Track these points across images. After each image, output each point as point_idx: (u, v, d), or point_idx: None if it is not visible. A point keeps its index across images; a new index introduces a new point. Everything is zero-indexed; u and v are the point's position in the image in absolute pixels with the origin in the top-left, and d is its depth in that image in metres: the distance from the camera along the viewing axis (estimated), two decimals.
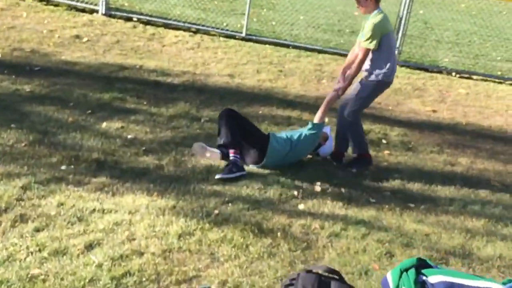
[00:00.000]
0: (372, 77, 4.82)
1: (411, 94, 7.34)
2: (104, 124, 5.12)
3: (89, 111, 5.35)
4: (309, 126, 4.86)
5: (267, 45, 8.56)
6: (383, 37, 4.71)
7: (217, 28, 8.92)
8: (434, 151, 5.67)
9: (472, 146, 5.95)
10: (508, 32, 11.31)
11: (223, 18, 9.66)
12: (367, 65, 4.83)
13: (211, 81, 6.71)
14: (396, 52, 8.45)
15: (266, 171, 4.68)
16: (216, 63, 7.39)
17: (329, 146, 5.15)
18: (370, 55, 4.78)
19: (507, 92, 7.96)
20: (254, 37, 8.81)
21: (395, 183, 4.84)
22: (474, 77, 8.48)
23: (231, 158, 4.67)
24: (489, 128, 6.54)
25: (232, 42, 8.49)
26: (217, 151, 4.80)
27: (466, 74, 8.53)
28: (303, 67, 7.78)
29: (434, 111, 6.85)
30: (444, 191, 4.81)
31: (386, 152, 5.49)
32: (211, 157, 4.77)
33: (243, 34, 8.77)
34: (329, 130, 5.16)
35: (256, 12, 10.25)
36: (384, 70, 4.77)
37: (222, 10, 10.22)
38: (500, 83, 8.37)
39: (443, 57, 9.19)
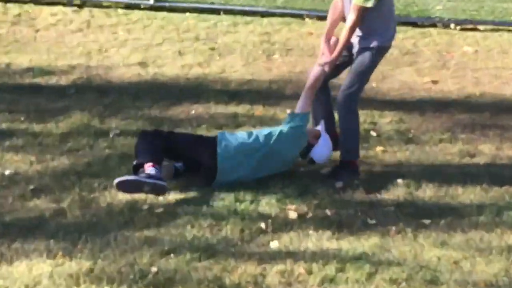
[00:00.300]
0: (372, 43, 4.88)
1: (399, 62, 7.44)
2: None
3: None
4: (288, 119, 4.92)
5: (187, 14, 8.52)
6: None
7: None
8: (445, 139, 5.76)
9: (493, 125, 6.08)
10: None
11: None
12: (362, 27, 4.87)
13: (115, 75, 6.63)
14: None
15: (216, 198, 4.63)
16: (118, 48, 7.32)
17: (325, 146, 5.12)
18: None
19: None
20: (167, 4, 8.74)
21: (399, 192, 4.89)
22: (481, 27, 8.69)
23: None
24: None
25: (136, 14, 8.43)
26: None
27: (469, 24, 8.73)
28: (243, 39, 7.78)
29: (434, 82, 6.97)
30: (467, 195, 4.89)
31: (379, 148, 5.54)
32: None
33: (151, 2, 8.68)
34: (323, 125, 5.16)
35: None
36: (385, 32, 4.93)
37: None
38: None
39: (436, 4, 9.37)
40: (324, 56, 4.96)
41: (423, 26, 8.63)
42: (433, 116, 6.19)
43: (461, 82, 7.01)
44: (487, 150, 5.62)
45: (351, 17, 4.76)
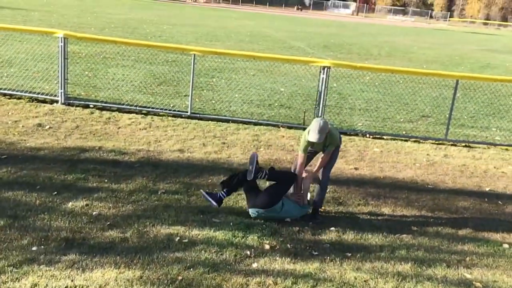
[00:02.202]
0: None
1: None
2: (70, 204, 4.90)
3: (55, 193, 5.11)
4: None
5: (209, 121, 8.58)
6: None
7: (165, 109, 8.90)
8: (361, 204, 5.74)
9: (391, 196, 6.07)
10: (406, 98, 11.89)
11: (170, 100, 9.66)
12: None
13: (164, 157, 6.61)
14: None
15: (221, 234, 4.57)
16: (167, 140, 7.32)
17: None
18: None
19: (412, 148, 8.27)
20: (198, 115, 8.83)
21: (332, 235, 4.84)
22: (385, 137, 8.78)
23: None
24: (403, 180, 6.71)
25: (179, 120, 8.46)
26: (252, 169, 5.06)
27: (378, 135, 8.82)
28: (242, 138, 7.82)
29: (356, 168, 6.99)
30: (374, 239, 4.85)
31: (322, 208, 5.51)
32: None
33: (188, 113, 8.78)
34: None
35: (198, 93, 10.33)
36: None
37: (169, 93, 10.24)
38: (406, 140, 8.69)
39: (357, 122, 9.50)
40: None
41: (350, 134, 8.70)
42: (354, 189, 6.17)
43: (372, 169, 7.03)
44: (386, 212, 5.60)
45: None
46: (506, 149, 8.67)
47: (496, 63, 22.62)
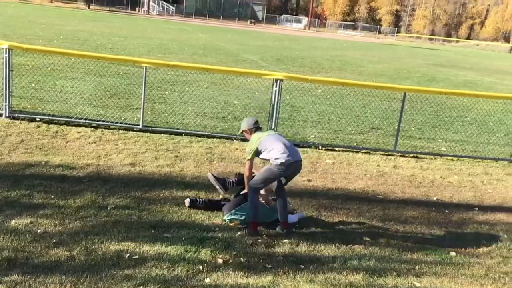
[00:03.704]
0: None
1: None
2: (13, 222, 4.67)
3: None
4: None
5: (162, 134, 8.45)
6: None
7: (116, 122, 8.70)
8: (314, 215, 5.77)
9: (343, 207, 6.13)
10: (357, 110, 12.15)
11: (121, 113, 9.46)
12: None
13: (114, 171, 6.43)
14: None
15: (172, 249, 4.47)
16: (117, 154, 7.14)
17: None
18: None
19: (363, 159, 8.43)
20: (150, 128, 8.68)
21: (286, 248, 4.83)
22: (337, 148, 8.90)
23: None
24: (355, 191, 6.81)
25: (130, 134, 8.29)
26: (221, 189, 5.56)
27: (330, 147, 8.94)
28: (195, 151, 7.74)
29: (309, 180, 7.04)
30: (327, 250, 4.87)
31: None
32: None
33: (140, 126, 8.61)
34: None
35: (150, 106, 10.17)
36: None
37: (120, 106, 10.03)
38: (357, 152, 8.84)
39: (310, 134, 9.60)
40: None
41: (303, 146, 8.76)
42: (307, 201, 6.19)
43: (324, 180, 7.09)
44: (339, 222, 5.65)
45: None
46: (452, 160, 8.98)
47: (441, 77, 23.53)
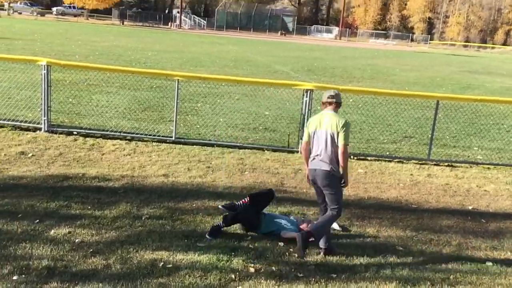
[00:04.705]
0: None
1: None
2: (52, 232, 4.84)
3: (37, 221, 5.06)
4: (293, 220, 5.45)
5: (194, 146, 8.60)
6: None
7: (150, 135, 8.91)
8: (346, 224, 5.75)
9: (375, 217, 6.09)
10: (389, 119, 12.04)
11: (154, 125, 9.68)
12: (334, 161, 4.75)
13: (148, 182, 6.58)
14: None
15: (205, 258, 4.54)
16: (151, 166, 7.30)
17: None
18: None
19: (396, 168, 8.35)
20: (182, 140, 8.84)
21: (318, 257, 4.83)
22: (369, 158, 8.85)
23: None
24: (387, 200, 6.75)
25: (163, 146, 8.46)
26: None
27: (362, 156, 8.90)
28: (227, 162, 7.83)
29: None
30: (359, 259, 4.85)
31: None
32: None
33: (173, 138, 8.79)
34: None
35: (183, 118, 10.36)
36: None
37: (153, 119, 10.26)
38: (390, 161, 8.77)
39: None
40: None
41: None
42: None
43: (356, 190, 7.06)
44: (371, 232, 5.60)
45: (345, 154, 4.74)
46: (488, 168, 8.79)
47: (476, 84, 23.06)
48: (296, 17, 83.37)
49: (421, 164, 8.72)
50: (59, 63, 9.01)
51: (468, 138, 10.93)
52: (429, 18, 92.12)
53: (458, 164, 8.86)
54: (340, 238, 5.34)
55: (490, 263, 5.01)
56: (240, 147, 8.74)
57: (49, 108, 8.74)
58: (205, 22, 73.94)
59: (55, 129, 8.74)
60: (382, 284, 4.37)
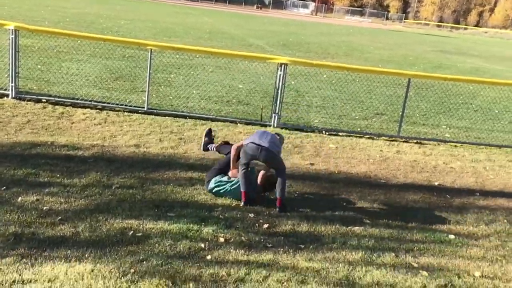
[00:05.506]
0: None
1: (292, 151, 7.58)
2: (19, 199, 4.77)
3: (4, 188, 4.97)
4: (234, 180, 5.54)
5: (167, 117, 8.52)
6: None
7: (121, 105, 8.78)
8: (316, 198, 5.84)
9: (345, 191, 6.19)
10: (361, 96, 12.16)
11: (126, 95, 9.54)
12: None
13: (119, 152, 6.52)
14: (276, 117, 8.81)
15: (175, 227, 4.56)
16: (122, 136, 7.22)
17: None
18: None
19: (366, 144, 8.47)
20: (155, 111, 8.75)
21: (287, 228, 4.91)
22: (340, 133, 8.95)
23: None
24: (357, 175, 6.87)
25: (135, 116, 8.36)
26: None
27: (334, 131, 8.98)
28: (199, 134, 7.80)
29: (311, 164, 7.10)
30: (327, 231, 4.95)
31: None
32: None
33: (145, 109, 8.69)
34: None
35: (155, 89, 10.23)
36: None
37: (125, 89, 10.10)
38: (361, 137, 8.88)
39: (314, 119, 9.65)
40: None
41: (307, 131, 8.82)
42: (309, 184, 6.27)
43: (327, 165, 7.15)
44: (340, 205, 5.71)
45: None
46: (455, 146, 9.01)
47: (448, 64, 23.42)
48: None
49: (391, 140, 8.87)
50: (27, 27, 8.73)
51: (437, 116, 11.15)
52: None
53: (426, 142, 9.05)
54: (310, 210, 5.43)
55: (453, 236, 5.18)
56: (213, 120, 8.72)
57: (17, 74, 8.50)
58: None
59: (23, 96, 8.53)
60: (348, 254, 4.48)
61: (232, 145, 5.76)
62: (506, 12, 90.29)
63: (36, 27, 9.43)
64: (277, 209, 5.26)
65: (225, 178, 5.48)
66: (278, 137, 5.70)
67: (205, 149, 6.17)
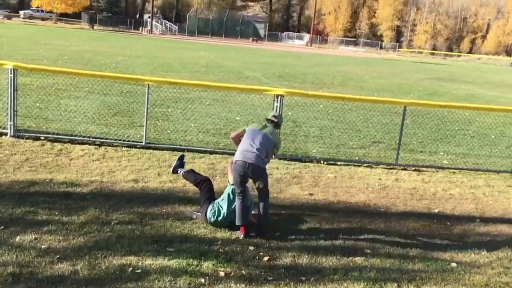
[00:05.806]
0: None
1: (290, 182, 7.57)
2: (17, 238, 4.75)
3: (2, 227, 4.95)
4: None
5: (165, 151, 8.55)
6: None
7: (119, 140, 8.81)
8: (316, 228, 5.80)
9: (344, 220, 6.17)
10: (358, 125, 12.24)
11: (124, 130, 9.58)
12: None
13: (117, 187, 6.51)
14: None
15: (175, 263, 4.52)
16: (121, 171, 7.22)
17: None
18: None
19: (365, 173, 8.48)
20: (153, 145, 8.78)
21: (287, 260, 4.88)
22: (339, 163, 8.96)
23: None
24: (356, 204, 6.85)
25: (133, 151, 8.39)
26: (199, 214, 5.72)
27: (332, 161, 9.00)
28: (198, 167, 7.81)
29: (311, 194, 7.08)
30: (328, 262, 4.91)
31: (277, 233, 5.54)
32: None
33: (143, 143, 8.72)
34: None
35: (153, 124, 10.29)
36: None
37: (123, 124, 10.16)
38: (359, 166, 8.90)
39: (312, 149, 9.68)
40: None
41: (305, 161, 8.83)
42: (308, 214, 6.25)
43: (326, 194, 7.13)
44: (340, 235, 5.67)
45: None
46: (454, 172, 9.02)
47: (442, 91, 23.64)
48: (267, 24, 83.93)
49: (389, 168, 8.88)
50: (26, 66, 8.84)
51: (435, 143, 11.19)
52: (398, 26, 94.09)
53: (424, 169, 9.07)
54: (310, 241, 5.39)
55: (455, 264, 5.14)
56: (211, 152, 8.74)
57: (15, 113, 8.56)
58: (176, 27, 73.71)
59: (21, 134, 8.57)
60: (350, 285, 4.44)
61: (197, 173, 6.16)
62: (498, 39, 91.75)
63: (34, 65, 9.56)
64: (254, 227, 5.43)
65: (216, 202, 5.63)
66: (271, 135, 5.70)
67: (175, 171, 6.34)
